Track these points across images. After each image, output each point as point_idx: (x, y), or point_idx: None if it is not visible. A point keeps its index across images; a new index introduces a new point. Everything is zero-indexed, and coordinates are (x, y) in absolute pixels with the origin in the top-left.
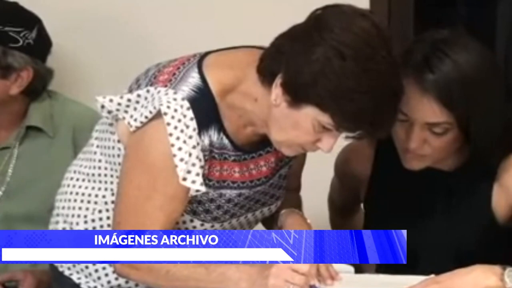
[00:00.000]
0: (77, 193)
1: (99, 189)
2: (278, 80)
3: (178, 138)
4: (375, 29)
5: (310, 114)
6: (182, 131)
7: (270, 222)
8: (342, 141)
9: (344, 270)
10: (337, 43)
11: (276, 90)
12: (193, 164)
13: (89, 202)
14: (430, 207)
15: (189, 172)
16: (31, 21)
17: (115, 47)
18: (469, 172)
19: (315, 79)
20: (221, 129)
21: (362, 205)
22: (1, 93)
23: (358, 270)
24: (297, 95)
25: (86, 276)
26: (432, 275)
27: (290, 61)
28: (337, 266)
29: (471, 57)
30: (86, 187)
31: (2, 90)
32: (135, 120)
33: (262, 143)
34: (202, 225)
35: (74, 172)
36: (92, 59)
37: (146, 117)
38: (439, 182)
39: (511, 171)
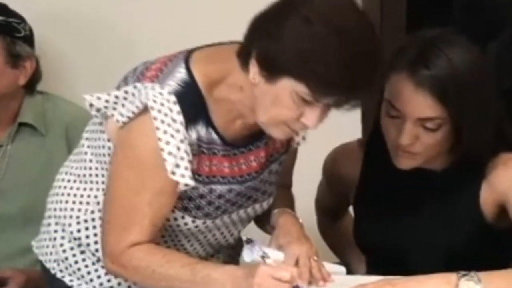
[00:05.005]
0: (68, 194)
1: (91, 189)
2: (252, 57)
3: (165, 132)
4: (350, 2)
5: (287, 86)
6: (169, 125)
7: (263, 221)
8: (333, 143)
9: (336, 271)
10: (307, 10)
11: (253, 69)
12: (182, 158)
13: (81, 203)
14: (419, 207)
15: (177, 166)
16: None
17: (102, 47)
18: (458, 172)
19: (284, 46)
20: (209, 123)
21: (351, 208)
22: (12, 84)
23: (350, 271)
24: (270, 68)
25: (78, 279)
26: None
27: (262, 36)
28: (329, 267)
29: (465, 55)
30: (78, 188)
31: (13, 81)
32: (122, 115)
33: (252, 138)
34: (193, 221)
35: (66, 173)
36: (79, 60)
37: (133, 112)
38: (428, 182)
39: (498, 169)
